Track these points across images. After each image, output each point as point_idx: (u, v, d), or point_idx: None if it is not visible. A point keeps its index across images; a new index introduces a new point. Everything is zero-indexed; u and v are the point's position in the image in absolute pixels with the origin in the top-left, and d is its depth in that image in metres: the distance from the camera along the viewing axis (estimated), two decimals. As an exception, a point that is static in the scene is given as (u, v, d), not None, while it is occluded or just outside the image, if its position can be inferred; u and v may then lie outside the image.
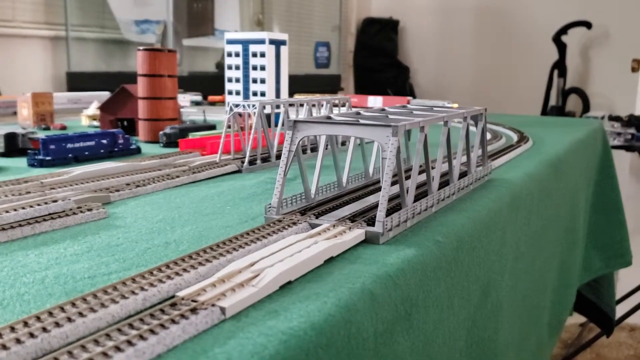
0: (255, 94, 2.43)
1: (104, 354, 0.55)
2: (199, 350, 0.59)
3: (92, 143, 1.73)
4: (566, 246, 2.20)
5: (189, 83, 3.68)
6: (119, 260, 0.86)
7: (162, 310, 0.65)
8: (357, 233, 0.94)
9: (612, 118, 3.79)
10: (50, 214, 1.05)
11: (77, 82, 4.10)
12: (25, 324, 0.60)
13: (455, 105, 2.43)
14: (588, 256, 2.73)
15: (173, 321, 0.62)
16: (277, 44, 2.43)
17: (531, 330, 1.77)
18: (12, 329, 0.58)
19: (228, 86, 2.49)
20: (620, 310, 3.40)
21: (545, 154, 2.03)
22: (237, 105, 1.64)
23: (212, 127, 2.25)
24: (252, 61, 2.41)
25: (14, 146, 1.78)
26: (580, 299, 2.72)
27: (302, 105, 1.85)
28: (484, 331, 1.23)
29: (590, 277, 2.76)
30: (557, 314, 2.16)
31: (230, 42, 2.45)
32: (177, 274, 0.74)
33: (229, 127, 1.65)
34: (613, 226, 2.94)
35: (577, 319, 3.61)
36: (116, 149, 1.80)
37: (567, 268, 2.23)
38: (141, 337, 0.59)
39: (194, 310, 0.65)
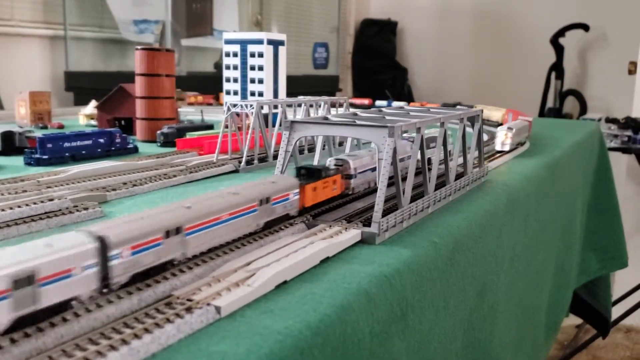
0: (253, 94, 2.43)
1: (99, 352, 0.55)
2: (193, 349, 0.59)
3: (89, 142, 1.72)
4: (563, 248, 2.20)
5: (187, 83, 3.67)
6: (114, 259, 0.86)
7: (157, 309, 0.65)
8: (353, 233, 0.94)
9: (609, 120, 3.79)
10: (46, 213, 1.05)
11: (76, 81, 4.10)
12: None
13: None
14: (584, 258, 2.73)
15: (168, 320, 0.62)
16: (276, 44, 2.43)
17: (527, 332, 1.77)
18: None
19: (226, 86, 2.49)
20: (616, 311, 3.41)
21: (542, 155, 2.03)
22: (234, 105, 1.64)
23: (210, 126, 2.25)
24: (250, 61, 2.41)
25: (11, 145, 1.78)
26: (576, 301, 2.72)
27: (299, 105, 1.85)
28: (480, 332, 1.23)
29: (587, 279, 2.77)
30: (554, 316, 2.16)
31: (228, 42, 2.45)
32: (173, 274, 0.74)
33: (226, 127, 1.65)
34: (609, 228, 2.94)
35: (574, 320, 3.61)
36: (113, 148, 1.79)
37: (563, 269, 2.24)
38: (136, 336, 0.59)
39: (189, 310, 0.65)
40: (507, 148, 1.89)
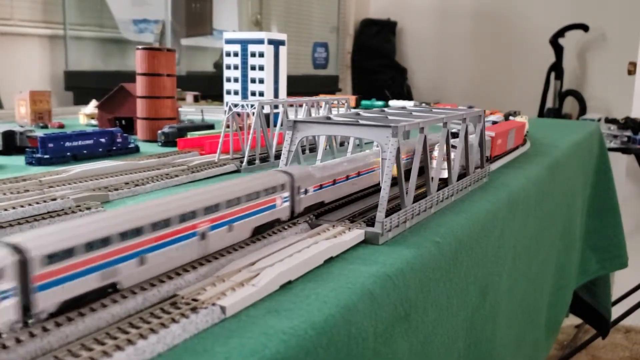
0: (253, 93, 2.43)
1: (104, 352, 0.55)
2: (199, 349, 0.59)
3: (90, 142, 1.72)
4: (563, 248, 2.20)
5: (187, 83, 3.67)
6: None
7: (163, 309, 0.65)
8: (357, 233, 0.95)
9: (609, 120, 3.80)
10: (49, 212, 1.04)
11: (75, 81, 4.09)
12: (25, 323, 0.59)
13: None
14: (584, 258, 2.73)
15: (173, 320, 0.62)
16: (276, 44, 2.43)
17: (528, 331, 1.77)
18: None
19: (227, 86, 2.49)
20: (616, 311, 3.41)
21: (543, 156, 2.03)
22: (236, 105, 1.64)
23: (211, 126, 2.25)
24: (251, 61, 2.41)
25: (12, 144, 1.78)
26: (576, 301, 2.72)
27: (301, 105, 1.85)
28: (482, 332, 1.23)
29: (587, 279, 2.77)
30: (554, 315, 2.16)
31: (229, 41, 2.45)
32: (177, 273, 0.74)
33: (227, 126, 1.65)
34: (609, 228, 2.95)
35: (573, 320, 3.62)
36: (114, 148, 1.79)
37: (563, 269, 2.24)
38: (141, 336, 0.58)
39: (194, 309, 0.65)
40: (445, 175, 1.29)
